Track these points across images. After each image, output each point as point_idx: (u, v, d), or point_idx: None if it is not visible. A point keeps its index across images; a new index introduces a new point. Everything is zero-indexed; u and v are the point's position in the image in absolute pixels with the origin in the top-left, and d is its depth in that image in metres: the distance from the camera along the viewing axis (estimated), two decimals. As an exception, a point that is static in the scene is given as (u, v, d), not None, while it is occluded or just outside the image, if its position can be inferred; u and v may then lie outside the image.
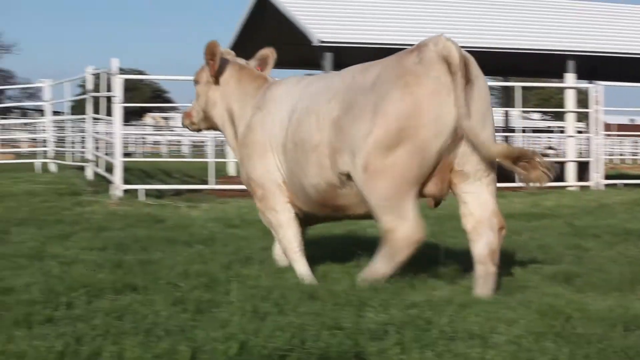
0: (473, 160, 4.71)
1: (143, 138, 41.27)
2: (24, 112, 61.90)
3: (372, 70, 4.91)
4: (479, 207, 4.78)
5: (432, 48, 4.67)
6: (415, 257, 4.83)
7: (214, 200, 11.85)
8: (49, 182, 13.93)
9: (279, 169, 5.41)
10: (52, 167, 17.81)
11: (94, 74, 15.20)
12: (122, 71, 13.06)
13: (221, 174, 16.12)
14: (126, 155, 14.52)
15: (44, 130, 19.56)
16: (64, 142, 22.35)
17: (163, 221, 9.10)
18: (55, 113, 20.71)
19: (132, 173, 15.40)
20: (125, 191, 12.19)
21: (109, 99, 13.51)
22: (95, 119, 15.42)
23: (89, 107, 15.08)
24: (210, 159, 13.91)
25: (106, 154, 14.24)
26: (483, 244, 4.77)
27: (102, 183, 13.48)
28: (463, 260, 5.42)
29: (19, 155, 24.28)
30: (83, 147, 17.87)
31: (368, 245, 6.24)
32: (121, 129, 12.78)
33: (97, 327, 3.92)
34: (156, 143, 43.46)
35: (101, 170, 14.15)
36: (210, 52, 5.76)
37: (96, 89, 14.71)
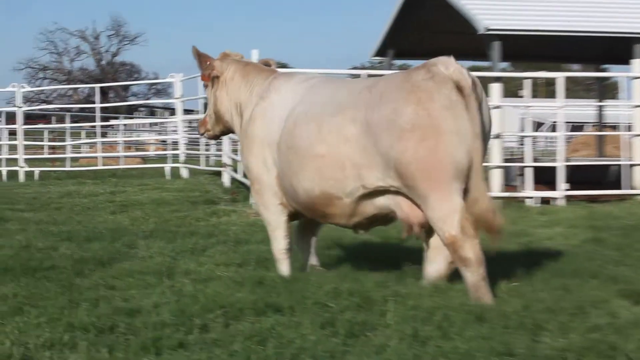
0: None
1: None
2: (151, 111, 64.61)
3: (379, 86, 5.85)
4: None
5: (443, 69, 5.58)
6: (594, 273, 4.77)
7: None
8: (181, 190, 14.49)
9: (274, 164, 6.38)
10: (184, 173, 18.49)
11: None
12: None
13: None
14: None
15: (175, 130, 20.36)
16: (197, 144, 23.19)
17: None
18: (187, 112, 21.50)
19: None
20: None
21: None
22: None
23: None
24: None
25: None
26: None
27: (240, 190, 13.88)
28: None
29: (146, 159, 25.39)
30: (218, 150, 18.44)
31: (540, 260, 6.17)
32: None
33: (236, 354, 4.05)
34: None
35: (239, 176, 14.57)
36: (194, 55, 7.04)
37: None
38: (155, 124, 44.10)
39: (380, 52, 20.67)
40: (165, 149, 24.40)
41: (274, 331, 4.51)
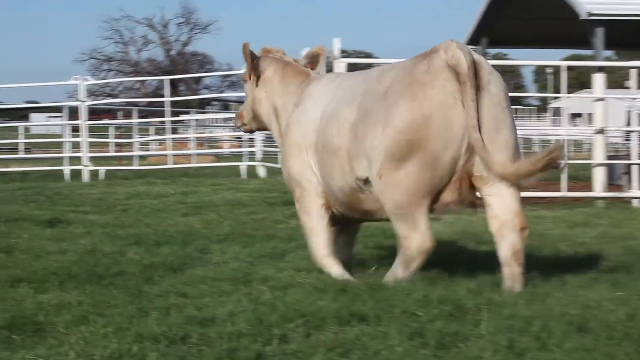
0: None
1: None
2: (225, 105, 65.15)
3: (387, 76, 6.23)
4: (502, 209, 5.99)
5: (442, 55, 5.88)
6: None
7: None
8: (257, 190, 14.65)
9: (312, 169, 6.80)
10: (261, 172, 18.68)
11: (308, 57, 15.76)
12: (345, 54, 13.45)
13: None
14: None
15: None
16: (274, 141, 23.38)
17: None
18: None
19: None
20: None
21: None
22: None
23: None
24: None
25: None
26: (506, 245, 5.98)
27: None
28: None
29: (220, 157, 25.67)
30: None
31: None
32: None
33: (318, 366, 4.07)
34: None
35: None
36: (243, 52, 7.32)
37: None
38: (229, 119, 44.56)
39: (473, 41, 20.57)
40: (240, 146, 24.69)
41: (358, 342, 4.53)
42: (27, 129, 55.30)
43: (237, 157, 21.20)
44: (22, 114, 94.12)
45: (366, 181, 6.25)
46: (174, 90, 60.69)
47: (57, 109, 33.52)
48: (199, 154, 23.54)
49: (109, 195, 14.46)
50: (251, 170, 18.94)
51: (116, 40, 76.15)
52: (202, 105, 59.34)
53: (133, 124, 25.20)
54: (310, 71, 7.34)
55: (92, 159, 19.94)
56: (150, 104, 40.77)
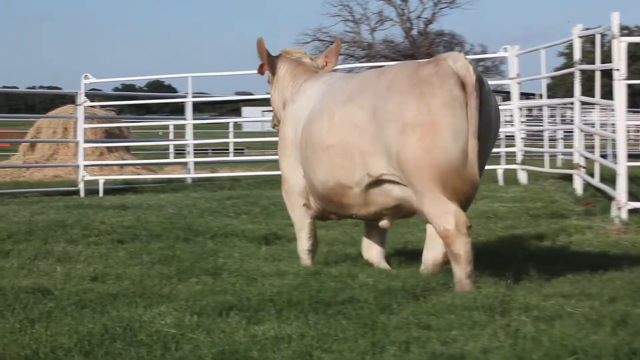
0: None
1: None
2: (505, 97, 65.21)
3: (387, 74, 7.88)
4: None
5: (451, 64, 7.44)
6: None
7: None
8: (517, 199, 14.61)
9: (299, 165, 8.61)
10: (522, 177, 18.55)
11: (583, 37, 15.55)
12: (626, 31, 13.16)
13: None
14: (633, 157, 14.60)
15: (510, 121, 20.43)
16: (539, 139, 23.19)
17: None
18: (526, 95, 21.50)
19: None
20: (633, 211, 12.37)
21: (605, 73, 13.73)
22: (586, 103, 15.75)
23: (577, 87, 15.52)
24: None
25: (602, 156, 14.45)
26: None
27: (597, 199, 13.77)
28: None
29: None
30: (568, 146, 18.34)
31: None
32: (625, 118, 12.87)
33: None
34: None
35: (595, 181, 14.44)
36: (258, 50, 9.20)
37: (587, 58, 15.01)
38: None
39: None
40: (497, 146, 24.57)
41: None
42: (238, 125, 56.81)
43: (493, 159, 21.09)
44: (233, 108, 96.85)
45: (379, 178, 7.86)
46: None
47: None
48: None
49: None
50: (510, 175, 18.82)
51: (345, 18, 76.66)
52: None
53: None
54: (318, 70, 9.24)
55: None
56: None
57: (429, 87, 7.41)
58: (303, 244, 8.94)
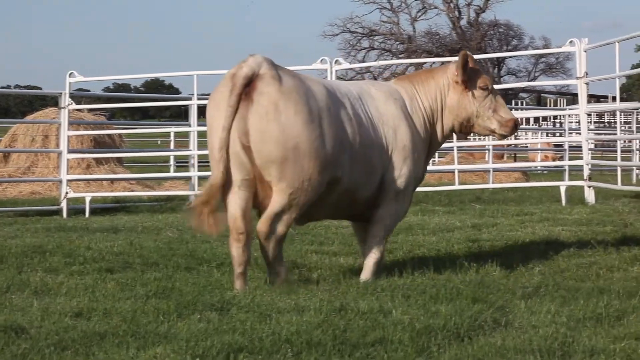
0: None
1: None
2: (538, 98, 64.90)
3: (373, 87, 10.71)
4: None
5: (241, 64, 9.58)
6: None
7: None
8: (583, 222, 14.70)
9: None
10: (589, 195, 18.54)
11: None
12: None
13: None
14: None
15: (575, 129, 20.37)
16: (611, 151, 23.11)
17: None
18: (594, 98, 21.49)
19: None
20: None
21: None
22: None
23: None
24: None
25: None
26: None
27: None
28: None
29: (529, 174, 25.65)
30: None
31: None
32: None
33: None
34: None
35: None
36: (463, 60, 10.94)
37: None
38: (545, 118, 44.26)
39: None
40: (559, 158, 24.55)
41: None
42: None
43: (555, 174, 21.10)
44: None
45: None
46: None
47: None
48: (497, 170, 23.60)
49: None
50: (575, 193, 18.81)
51: (381, 5, 76.69)
52: (506, 97, 59.36)
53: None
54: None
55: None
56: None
57: (214, 90, 9.74)
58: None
